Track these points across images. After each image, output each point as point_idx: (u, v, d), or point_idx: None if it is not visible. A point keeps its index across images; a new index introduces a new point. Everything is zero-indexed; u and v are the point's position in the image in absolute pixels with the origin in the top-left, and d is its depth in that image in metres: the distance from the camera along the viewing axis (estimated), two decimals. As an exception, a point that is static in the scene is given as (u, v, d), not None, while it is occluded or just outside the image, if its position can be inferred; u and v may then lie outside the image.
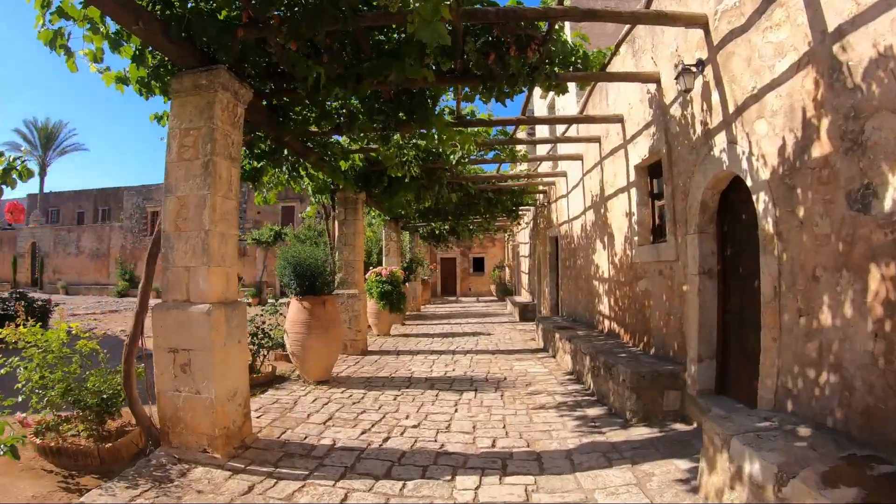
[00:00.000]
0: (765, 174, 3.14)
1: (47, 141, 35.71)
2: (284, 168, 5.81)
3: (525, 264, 16.48)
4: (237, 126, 3.83)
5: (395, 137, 5.66)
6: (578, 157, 7.67)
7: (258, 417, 4.34)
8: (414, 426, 4.07)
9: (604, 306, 6.60)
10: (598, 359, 4.84)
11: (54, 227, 32.23)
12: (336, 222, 7.88)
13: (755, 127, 3.24)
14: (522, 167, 10.14)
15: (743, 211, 3.70)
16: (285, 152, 5.41)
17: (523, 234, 16.68)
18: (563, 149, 8.66)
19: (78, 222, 34.45)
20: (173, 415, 3.49)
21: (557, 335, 6.84)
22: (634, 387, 4.05)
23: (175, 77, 3.66)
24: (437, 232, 16.36)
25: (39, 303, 11.47)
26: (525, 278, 16.58)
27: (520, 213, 13.54)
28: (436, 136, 5.11)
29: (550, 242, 10.95)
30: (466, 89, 4.48)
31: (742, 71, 3.38)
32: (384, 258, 12.91)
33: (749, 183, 3.30)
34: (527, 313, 12.60)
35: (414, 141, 5.90)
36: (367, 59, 3.69)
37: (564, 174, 8.94)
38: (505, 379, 5.81)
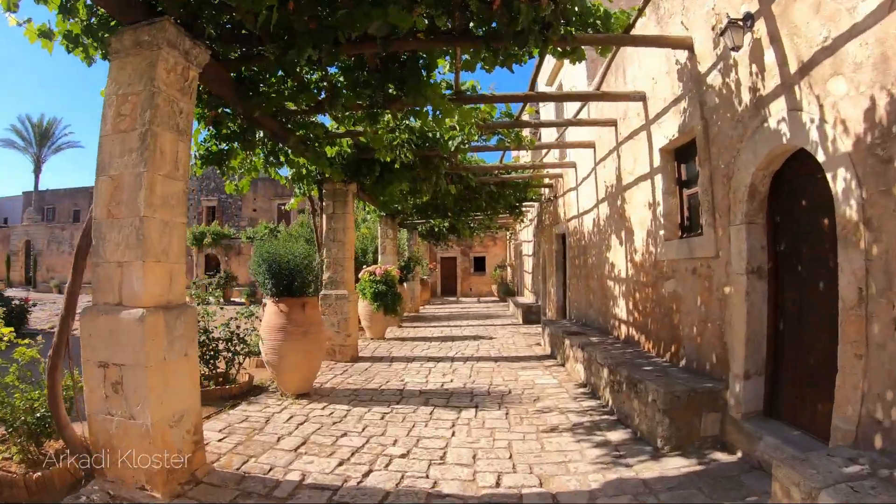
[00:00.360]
0: (845, 145, 2.47)
1: (42, 138, 35.23)
2: (259, 152, 5.12)
3: (528, 263, 15.78)
4: (188, 93, 3.16)
5: (385, 118, 4.97)
6: (590, 145, 6.99)
7: (220, 440, 3.68)
8: (402, 455, 3.38)
9: (620, 310, 5.91)
10: (620, 372, 4.16)
11: (48, 226, 31.65)
12: (324, 216, 7.19)
13: (829, 87, 2.57)
14: (527, 157, 9.45)
15: (804, 195, 3.03)
16: (260, 134, 4.74)
17: (526, 233, 15.99)
18: (572, 136, 7.97)
19: (74, 220, 33.87)
20: (107, 442, 2.84)
21: (567, 341, 6.16)
22: (667, 409, 3.36)
23: (115, 35, 3.01)
24: (436, 230, 15.64)
25: (16, 303, 10.92)
26: (528, 278, 15.88)
27: (523, 209, 12.86)
28: (431, 115, 4.43)
29: (557, 240, 10.26)
30: (466, 57, 3.81)
31: (808, 20, 2.71)
32: (380, 256, 12.23)
33: (821, 158, 2.62)
34: (531, 315, 11.93)
35: (407, 122, 5.22)
36: (343, 9, 3.02)
37: (573, 165, 8.26)
38: (510, 392, 5.12)
